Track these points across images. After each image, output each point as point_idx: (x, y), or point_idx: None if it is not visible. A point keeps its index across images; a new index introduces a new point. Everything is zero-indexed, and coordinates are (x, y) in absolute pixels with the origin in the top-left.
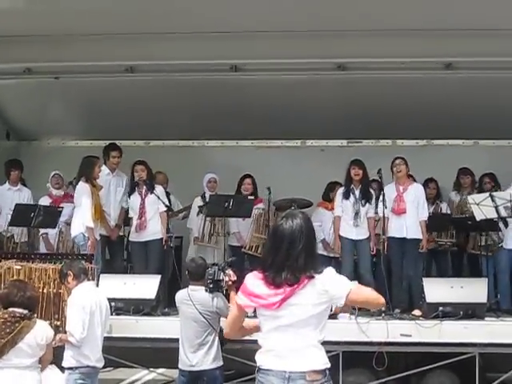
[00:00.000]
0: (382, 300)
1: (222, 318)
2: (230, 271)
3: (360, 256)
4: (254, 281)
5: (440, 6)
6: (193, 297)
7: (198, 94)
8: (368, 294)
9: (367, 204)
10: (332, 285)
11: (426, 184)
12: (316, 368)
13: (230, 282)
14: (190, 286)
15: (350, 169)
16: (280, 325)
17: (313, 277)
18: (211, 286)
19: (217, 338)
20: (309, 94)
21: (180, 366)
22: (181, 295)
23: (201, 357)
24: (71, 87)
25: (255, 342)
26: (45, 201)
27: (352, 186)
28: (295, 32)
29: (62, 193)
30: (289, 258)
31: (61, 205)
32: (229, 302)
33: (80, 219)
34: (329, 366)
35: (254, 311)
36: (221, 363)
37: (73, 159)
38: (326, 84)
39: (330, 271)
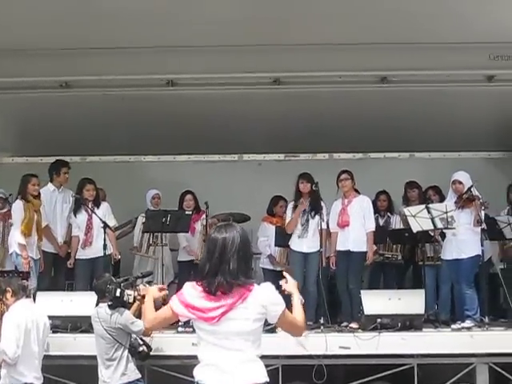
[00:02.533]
0: (303, 331)
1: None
2: (141, 286)
3: (308, 269)
4: (192, 291)
5: (375, 20)
6: (98, 314)
7: (134, 109)
8: (296, 319)
9: (317, 216)
10: (271, 301)
11: (377, 197)
12: (257, 382)
13: (139, 297)
14: (100, 303)
15: (298, 183)
16: (218, 339)
17: (250, 289)
18: (110, 303)
19: (125, 353)
20: (246, 108)
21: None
22: (92, 313)
23: (110, 373)
24: (5, 103)
25: (194, 357)
26: None
27: (301, 199)
28: (232, 46)
29: (4, 210)
30: (221, 264)
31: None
32: (140, 317)
33: (13, 237)
34: (268, 380)
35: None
36: (133, 378)
37: (8, 176)
38: (262, 98)
39: (269, 287)
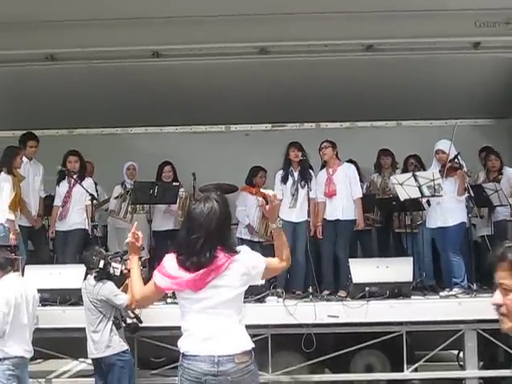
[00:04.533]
0: (288, 264)
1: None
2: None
3: (297, 239)
4: (174, 263)
5: None
6: (86, 286)
7: (120, 81)
8: (276, 261)
9: (306, 185)
10: (251, 265)
11: None
12: (244, 349)
13: (126, 271)
14: (88, 275)
15: (288, 151)
16: (203, 307)
17: (231, 257)
18: (95, 274)
19: (109, 325)
20: (232, 78)
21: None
22: (82, 284)
23: (97, 344)
24: None
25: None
26: None
27: (291, 168)
28: (216, 17)
29: None
30: (200, 239)
31: None
32: (126, 291)
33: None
34: (254, 346)
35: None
36: (117, 350)
37: None
38: (248, 68)
39: (246, 251)
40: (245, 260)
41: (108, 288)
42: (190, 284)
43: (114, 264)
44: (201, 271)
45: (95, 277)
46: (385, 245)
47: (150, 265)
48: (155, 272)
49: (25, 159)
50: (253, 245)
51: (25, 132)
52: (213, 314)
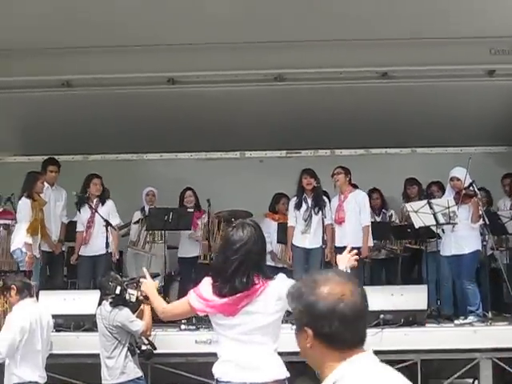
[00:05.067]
0: None
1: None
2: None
3: (311, 265)
4: (209, 288)
5: (375, 16)
6: (101, 311)
7: (135, 108)
8: None
9: (320, 212)
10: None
11: (369, 195)
12: (277, 378)
13: (142, 297)
14: (103, 301)
15: (301, 178)
16: (237, 333)
17: (266, 284)
18: (111, 300)
19: (124, 351)
20: (247, 105)
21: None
22: (97, 310)
23: (111, 370)
24: (8, 102)
25: (197, 355)
26: None
27: (304, 195)
28: (232, 44)
29: (0, 209)
30: (238, 265)
31: None
32: (141, 317)
33: (19, 235)
34: (288, 375)
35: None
36: (132, 376)
37: (11, 175)
38: (264, 95)
39: (282, 277)
40: (279, 285)
41: (124, 314)
42: (222, 308)
43: (129, 290)
44: (234, 296)
45: (111, 303)
46: (407, 273)
47: (165, 292)
48: (191, 292)
49: (46, 184)
50: (276, 271)
51: (47, 158)
52: (247, 341)
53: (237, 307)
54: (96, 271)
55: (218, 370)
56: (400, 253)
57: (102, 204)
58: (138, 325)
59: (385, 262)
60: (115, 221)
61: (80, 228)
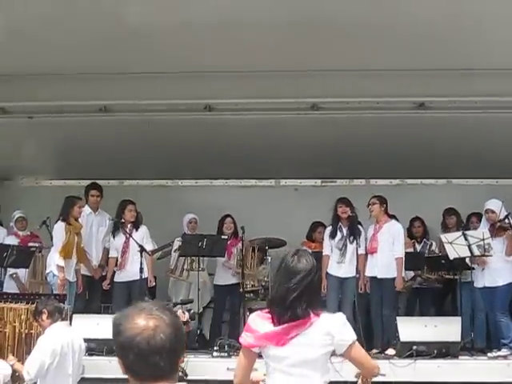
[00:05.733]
0: (377, 369)
1: None
2: (179, 311)
3: (345, 294)
4: (258, 320)
5: (412, 46)
6: None
7: (171, 134)
8: (367, 357)
9: (355, 241)
10: (339, 330)
11: (411, 223)
12: None
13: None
14: None
15: (336, 207)
16: (286, 365)
17: (317, 316)
18: None
19: None
20: (283, 133)
21: None
22: None
23: None
24: (45, 126)
25: (229, 383)
26: (12, 240)
27: (340, 224)
28: (269, 72)
29: (28, 232)
30: (300, 294)
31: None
32: None
33: (52, 258)
34: None
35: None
36: None
37: (47, 198)
38: (299, 124)
39: (340, 317)
40: (332, 323)
41: None
42: (272, 337)
43: None
44: (285, 325)
45: None
46: (442, 304)
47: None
48: (242, 335)
49: (88, 210)
50: None
51: (84, 182)
52: (296, 374)
53: (286, 337)
54: (131, 296)
55: None
56: (435, 282)
57: (136, 230)
58: None
59: (419, 291)
60: (149, 246)
61: (113, 254)
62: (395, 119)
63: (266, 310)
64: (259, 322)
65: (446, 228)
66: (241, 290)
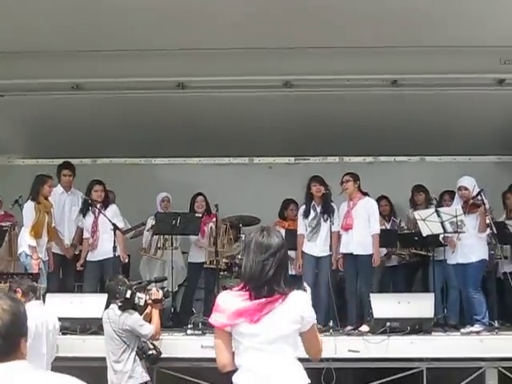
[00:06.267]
0: (320, 354)
1: None
2: (154, 289)
3: (320, 273)
4: (227, 298)
5: (385, 23)
6: (109, 315)
7: (145, 112)
8: (320, 339)
9: (329, 219)
10: (308, 308)
11: (377, 202)
12: None
13: (150, 301)
14: (111, 305)
15: (310, 185)
16: (259, 343)
17: (287, 294)
18: (120, 304)
19: (133, 355)
20: (256, 111)
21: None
22: (104, 313)
23: (119, 374)
24: (17, 105)
25: (202, 360)
26: None
27: (313, 202)
28: (242, 49)
29: (2, 212)
30: (268, 271)
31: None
32: (149, 321)
33: (23, 238)
34: (309, 381)
35: None
36: (140, 381)
37: (19, 178)
38: (273, 101)
39: (307, 295)
40: (302, 301)
41: (134, 318)
42: (245, 314)
43: (138, 294)
44: (257, 302)
45: (120, 306)
46: (414, 281)
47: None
48: (211, 317)
49: (60, 189)
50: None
51: (55, 161)
52: (269, 350)
53: (260, 313)
54: (104, 275)
55: (240, 380)
56: (409, 259)
57: (105, 209)
58: (147, 329)
59: (391, 268)
60: (120, 224)
61: (86, 234)
62: (368, 97)
63: (237, 288)
64: (229, 301)
65: (414, 205)
66: (214, 267)
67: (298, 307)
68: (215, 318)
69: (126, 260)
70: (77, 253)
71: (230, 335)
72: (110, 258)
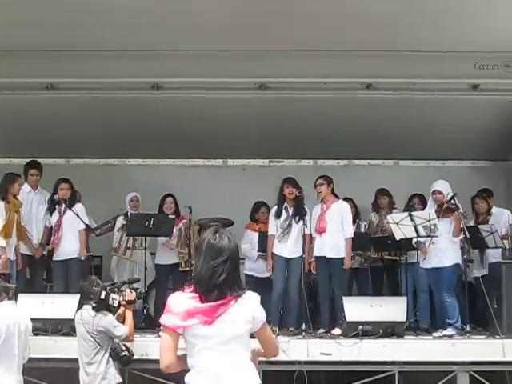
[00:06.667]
0: (277, 352)
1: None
2: (127, 290)
3: (290, 275)
4: (180, 300)
5: (361, 27)
6: (82, 315)
7: (119, 113)
8: (274, 338)
9: (301, 221)
10: (258, 308)
11: None
12: None
13: (124, 302)
14: (84, 306)
15: (283, 187)
16: (214, 343)
17: (240, 295)
18: (95, 304)
19: (106, 356)
20: (231, 113)
21: None
22: (76, 314)
23: (91, 376)
24: None
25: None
26: None
27: (285, 204)
28: (217, 51)
29: None
30: (219, 276)
31: None
32: (123, 322)
33: None
34: (261, 382)
35: None
36: (113, 382)
37: None
38: (247, 104)
39: (257, 295)
40: (253, 301)
41: (108, 320)
42: (199, 316)
43: (112, 295)
44: (211, 303)
45: (94, 307)
46: (380, 284)
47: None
48: (162, 317)
49: (28, 188)
50: (258, 280)
51: (28, 161)
52: (222, 351)
53: (214, 315)
54: (68, 275)
55: (191, 381)
56: (370, 263)
57: (70, 208)
58: (121, 330)
59: (357, 271)
60: (81, 225)
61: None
62: (343, 100)
63: (190, 290)
64: (181, 302)
65: (377, 208)
66: (188, 269)
67: (250, 307)
68: (168, 319)
69: (83, 258)
70: (45, 253)
71: (179, 336)
72: (75, 258)
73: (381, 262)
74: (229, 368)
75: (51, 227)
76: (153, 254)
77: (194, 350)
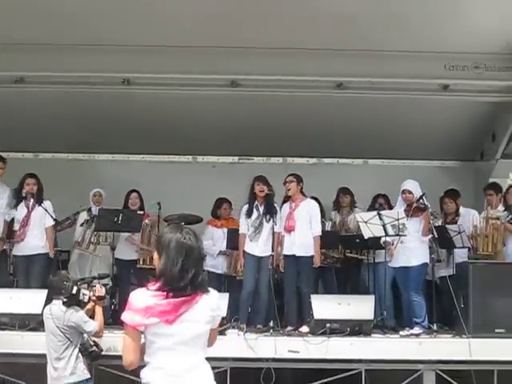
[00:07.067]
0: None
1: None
2: (97, 286)
3: (261, 273)
4: (143, 297)
5: (333, 26)
6: (51, 310)
7: (88, 107)
8: (217, 332)
9: (271, 220)
10: (218, 306)
11: None
12: None
13: (94, 297)
14: (53, 300)
15: (253, 185)
16: (173, 343)
17: (202, 293)
18: (65, 300)
19: (76, 352)
20: (201, 109)
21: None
22: (45, 309)
23: (59, 371)
24: None
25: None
26: None
27: (256, 202)
28: (189, 47)
29: None
30: (189, 273)
31: None
32: (93, 317)
33: None
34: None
35: None
36: (82, 377)
37: None
38: (218, 100)
39: (216, 294)
40: (215, 300)
41: (79, 315)
42: (161, 314)
43: (83, 290)
44: (173, 301)
45: (65, 302)
46: (345, 283)
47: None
48: (123, 314)
49: None
50: (219, 277)
51: None
52: (180, 349)
53: (176, 313)
54: (30, 270)
55: (147, 376)
56: (331, 262)
57: (40, 203)
58: (91, 325)
59: (322, 269)
60: (50, 221)
61: (16, 227)
62: (314, 98)
63: (154, 288)
64: (143, 300)
65: (338, 207)
66: (148, 267)
67: (211, 306)
68: (129, 317)
69: (51, 255)
70: (5, 247)
71: (141, 334)
72: (39, 254)
73: (340, 264)
74: (186, 368)
75: (11, 221)
76: (113, 248)
77: (153, 348)
